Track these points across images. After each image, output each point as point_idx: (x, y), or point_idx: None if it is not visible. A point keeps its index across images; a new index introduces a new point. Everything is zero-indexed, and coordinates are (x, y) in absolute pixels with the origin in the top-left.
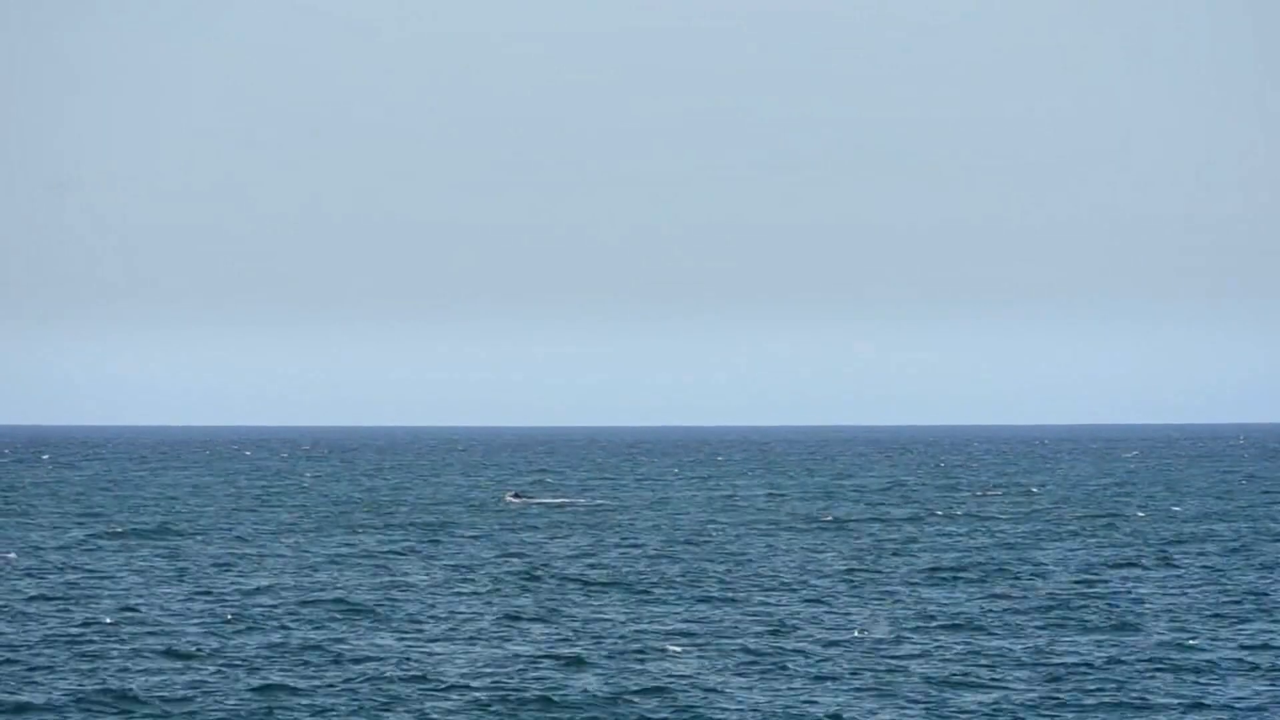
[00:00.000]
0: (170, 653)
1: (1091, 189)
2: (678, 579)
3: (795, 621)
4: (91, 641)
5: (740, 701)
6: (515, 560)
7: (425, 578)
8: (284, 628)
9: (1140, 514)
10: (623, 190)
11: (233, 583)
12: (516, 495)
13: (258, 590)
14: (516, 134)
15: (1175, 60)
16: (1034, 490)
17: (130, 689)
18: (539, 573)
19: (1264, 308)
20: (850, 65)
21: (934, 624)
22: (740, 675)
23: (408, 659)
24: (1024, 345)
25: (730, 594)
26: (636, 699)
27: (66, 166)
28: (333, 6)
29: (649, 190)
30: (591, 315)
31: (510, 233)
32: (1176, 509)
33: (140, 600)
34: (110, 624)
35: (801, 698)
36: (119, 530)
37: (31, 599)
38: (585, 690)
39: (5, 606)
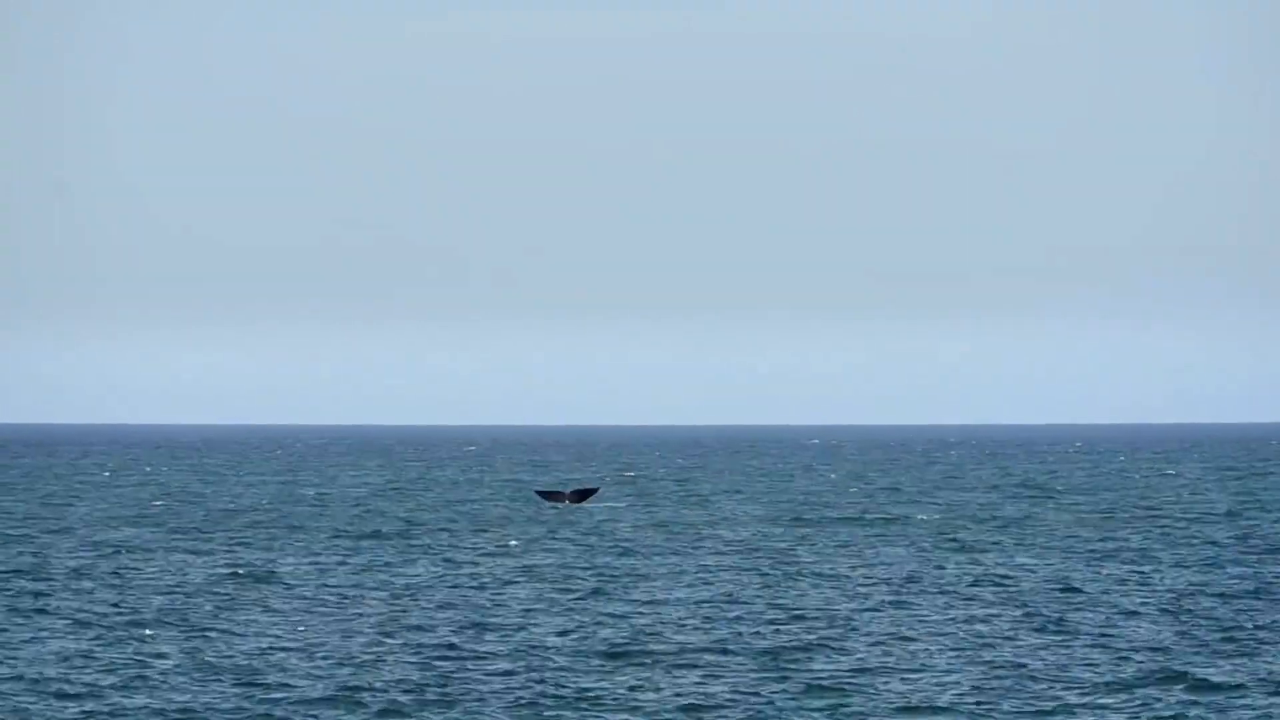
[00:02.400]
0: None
1: (1092, 188)
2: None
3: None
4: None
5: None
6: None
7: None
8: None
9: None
10: (623, 190)
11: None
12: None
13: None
14: (517, 134)
15: (1175, 59)
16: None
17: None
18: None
19: (1264, 307)
20: (851, 77)
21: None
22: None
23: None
24: (1023, 345)
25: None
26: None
27: (66, 166)
28: (335, 7)
29: (649, 190)
30: (590, 316)
31: (511, 232)
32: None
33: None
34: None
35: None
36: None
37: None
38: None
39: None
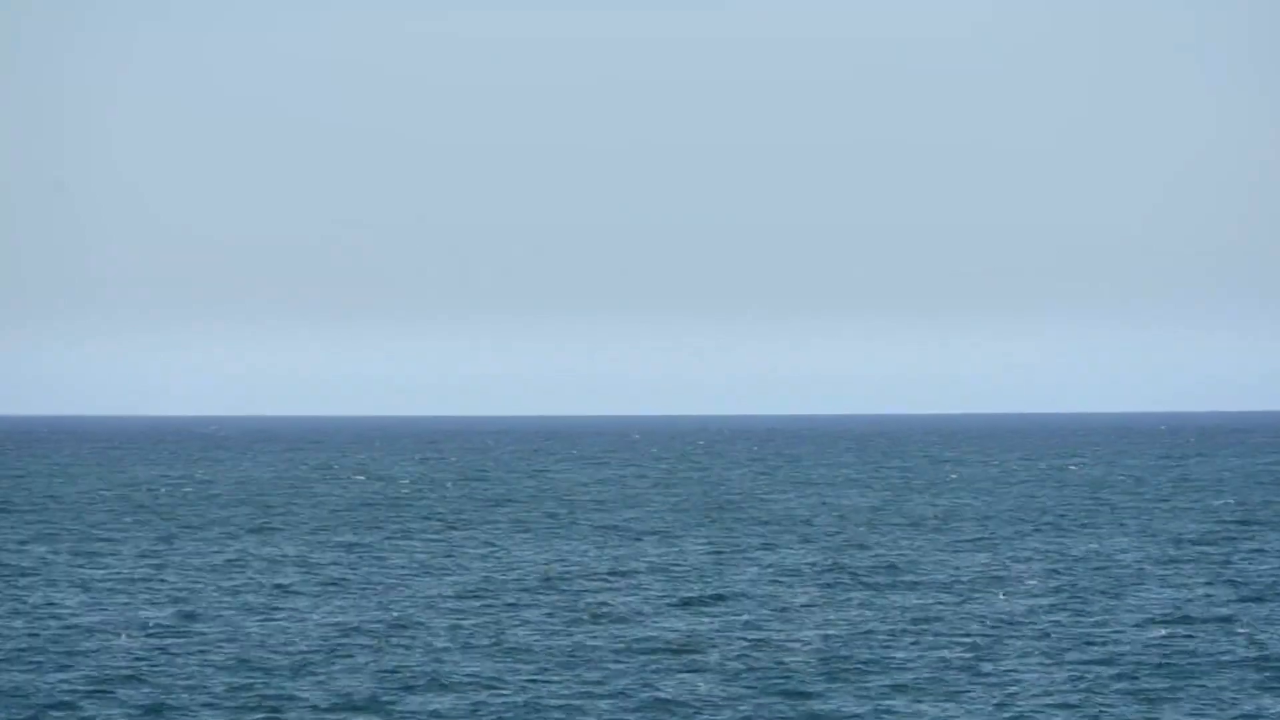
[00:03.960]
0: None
1: (1091, 189)
2: None
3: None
4: None
5: None
6: None
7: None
8: None
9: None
10: (623, 190)
11: None
12: None
13: None
14: (517, 134)
15: (1176, 59)
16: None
17: None
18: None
19: (1264, 307)
20: (851, 79)
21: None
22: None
23: None
24: (1022, 346)
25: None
26: None
27: (66, 166)
28: (335, 7)
29: (649, 190)
30: (590, 316)
31: (511, 232)
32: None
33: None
34: None
35: None
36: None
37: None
38: None
39: None
